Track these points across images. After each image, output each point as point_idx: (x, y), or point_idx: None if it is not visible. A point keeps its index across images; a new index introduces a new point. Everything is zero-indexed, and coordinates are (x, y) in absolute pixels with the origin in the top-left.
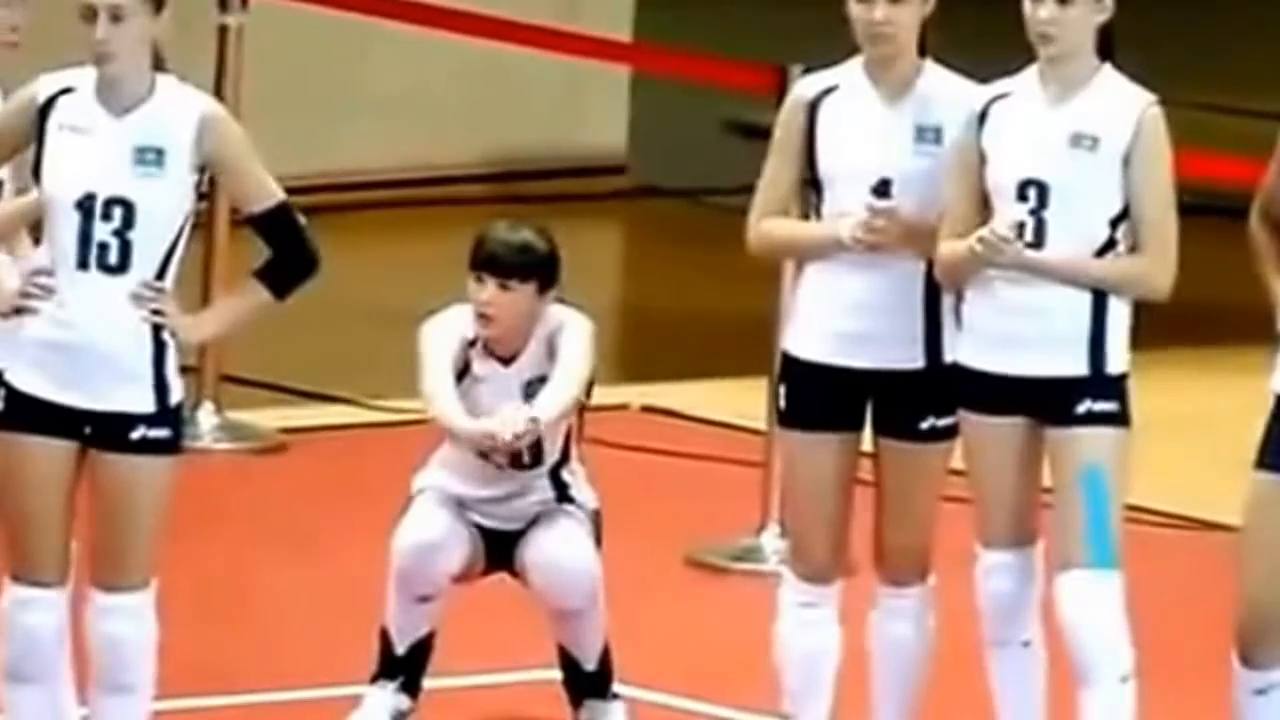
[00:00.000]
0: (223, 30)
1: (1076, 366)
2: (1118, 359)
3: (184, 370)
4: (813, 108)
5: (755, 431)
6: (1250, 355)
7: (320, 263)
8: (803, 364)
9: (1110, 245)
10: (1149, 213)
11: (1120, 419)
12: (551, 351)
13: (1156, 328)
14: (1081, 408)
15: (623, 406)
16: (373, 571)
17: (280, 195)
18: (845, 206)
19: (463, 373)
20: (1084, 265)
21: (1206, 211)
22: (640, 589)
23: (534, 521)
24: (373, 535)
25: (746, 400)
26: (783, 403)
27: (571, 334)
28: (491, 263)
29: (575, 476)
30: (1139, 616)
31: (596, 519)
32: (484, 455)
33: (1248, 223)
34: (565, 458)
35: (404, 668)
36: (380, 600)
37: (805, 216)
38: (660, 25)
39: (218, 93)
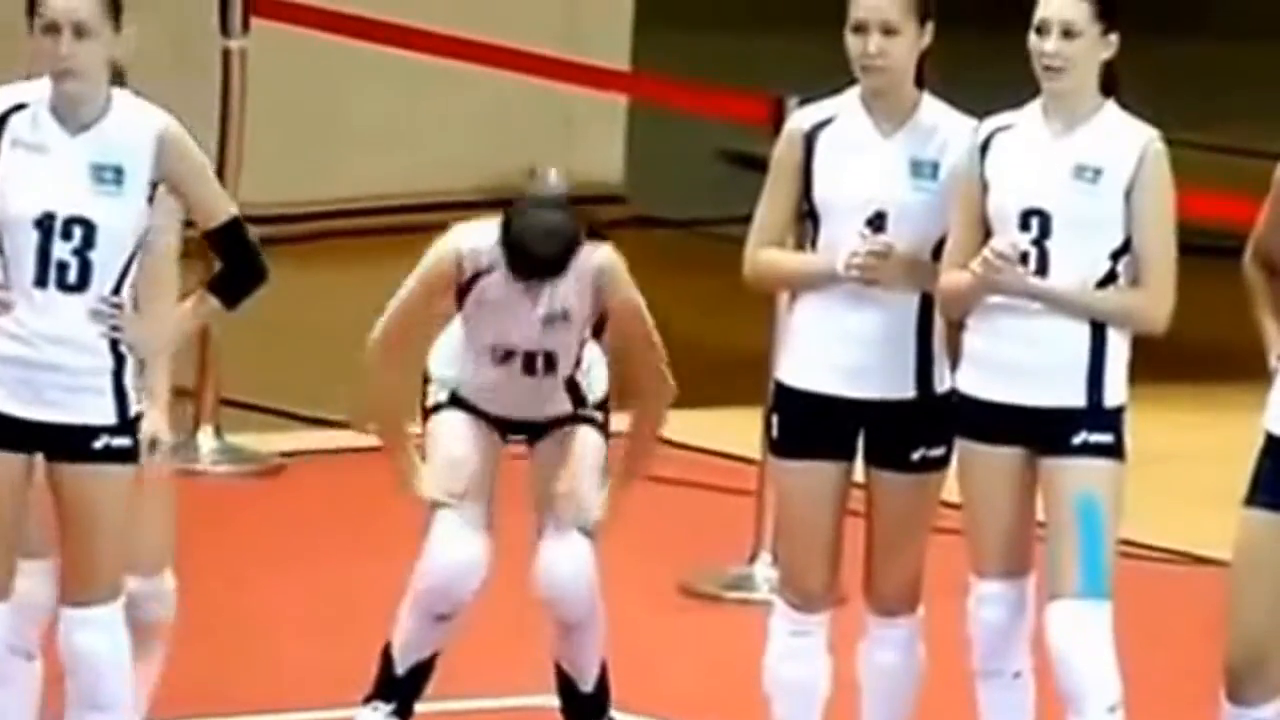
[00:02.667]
0: (225, 54)
1: (1074, 398)
2: (1115, 392)
3: (183, 394)
4: (809, 139)
5: (749, 461)
6: (1245, 393)
7: (268, 275)
8: (796, 394)
9: (1111, 277)
10: (1149, 247)
11: (1116, 451)
12: (583, 291)
13: (1153, 363)
14: (1078, 439)
15: (616, 435)
16: (370, 593)
17: (233, 211)
18: (840, 238)
19: (466, 288)
20: (1083, 295)
21: (1205, 250)
22: (634, 615)
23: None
24: (370, 557)
25: (741, 430)
26: (775, 432)
27: (630, 312)
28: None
29: (587, 374)
30: (1129, 649)
31: (604, 410)
32: (503, 360)
33: (1242, 263)
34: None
35: (401, 690)
36: (378, 621)
37: (800, 247)
38: (659, 54)
39: (221, 116)
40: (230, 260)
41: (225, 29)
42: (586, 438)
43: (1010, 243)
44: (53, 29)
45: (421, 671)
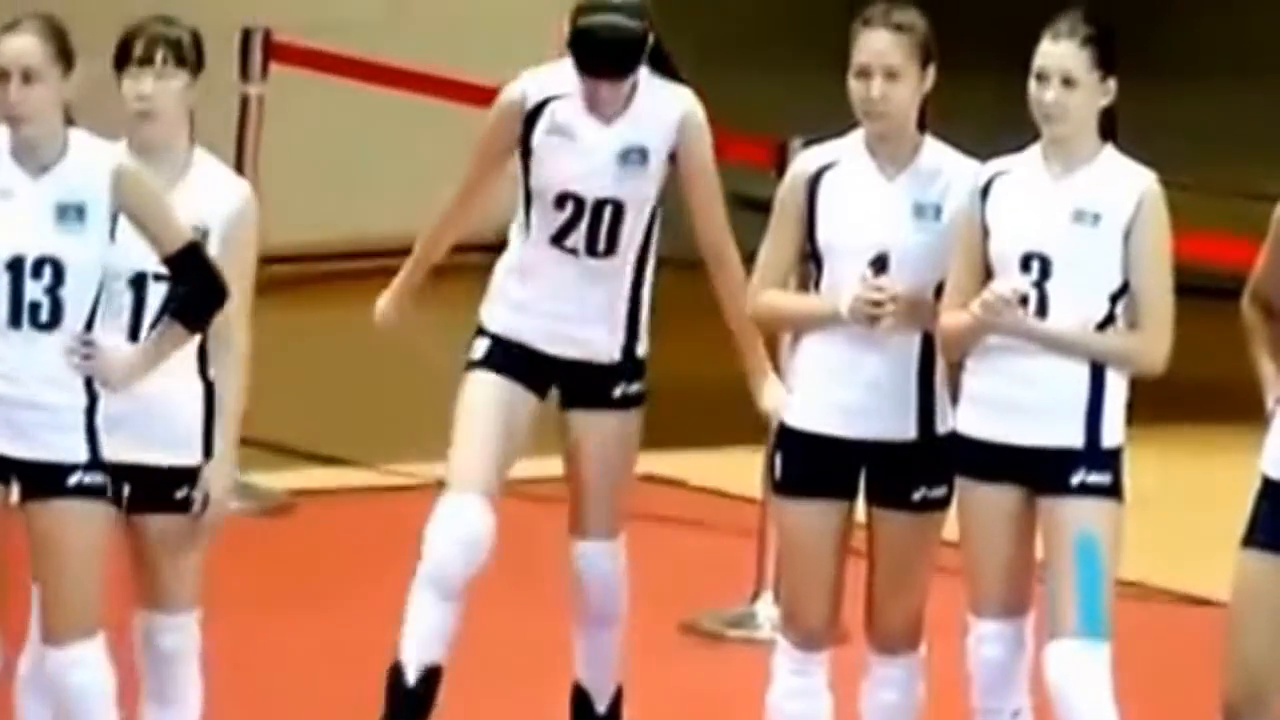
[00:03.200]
0: (244, 99)
1: (1072, 438)
2: (1114, 432)
3: None
4: (812, 182)
5: (751, 500)
6: (1243, 435)
7: (229, 295)
8: (798, 434)
9: (1110, 319)
10: (1147, 289)
11: (1114, 492)
12: (664, 134)
13: (1152, 404)
14: (1076, 479)
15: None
16: (380, 632)
17: (189, 235)
18: (843, 280)
19: (534, 116)
20: (1082, 337)
21: (1205, 292)
22: (637, 654)
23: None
24: (380, 596)
25: (743, 469)
26: (778, 472)
27: (707, 167)
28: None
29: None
30: (1127, 688)
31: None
32: (568, 226)
33: (1240, 304)
34: (643, 260)
35: (411, 703)
36: (388, 660)
37: (804, 288)
38: None
39: (238, 160)
40: (191, 283)
41: (245, 74)
42: (624, 442)
43: (1011, 287)
44: (2, 75)
45: (431, 680)
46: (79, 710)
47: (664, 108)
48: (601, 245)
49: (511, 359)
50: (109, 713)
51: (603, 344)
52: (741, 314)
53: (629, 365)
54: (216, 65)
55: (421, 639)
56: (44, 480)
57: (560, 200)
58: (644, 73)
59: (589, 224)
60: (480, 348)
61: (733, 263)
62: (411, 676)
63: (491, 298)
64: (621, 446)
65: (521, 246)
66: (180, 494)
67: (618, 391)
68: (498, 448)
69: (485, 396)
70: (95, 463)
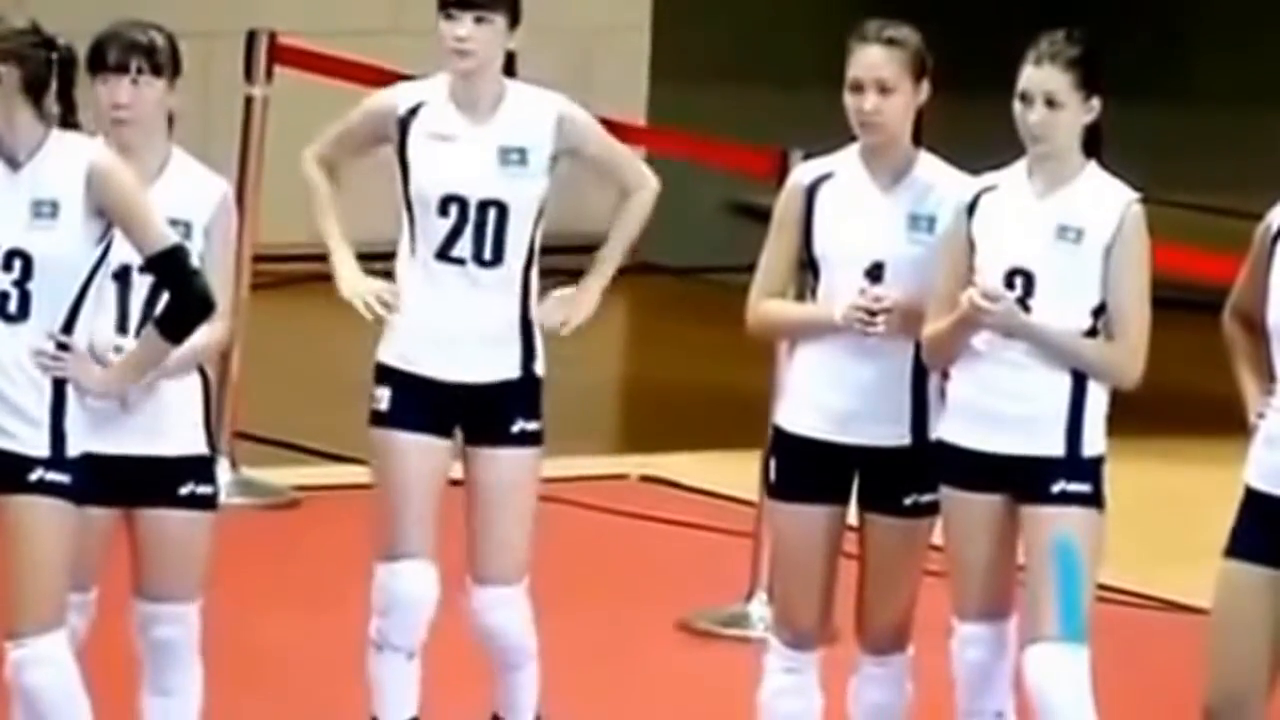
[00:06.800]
0: (248, 101)
1: (1053, 447)
2: (1094, 442)
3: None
4: (810, 193)
5: (747, 502)
6: (1225, 446)
7: (213, 306)
8: (793, 438)
9: (1092, 334)
10: (1125, 305)
11: (1094, 500)
12: (542, 133)
13: (1133, 415)
14: (1056, 488)
15: (622, 476)
16: None
17: (173, 239)
18: (839, 289)
19: (408, 120)
20: (1067, 339)
21: (1186, 305)
22: (632, 651)
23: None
24: None
25: (740, 472)
26: (773, 475)
27: (599, 140)
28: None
29: (539, 324)
30: (1106, 693)
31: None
32: (452, 234)
33: (1221, 318)
34: (528, 272)
35: None
36: None
37: (801, 297)
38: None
39: (242, 160)
40: (172, 291)
41: (249, 77)
42: (519, 481)
43: (998, 287)
44: None
45: None
46: (35, 708)
47: (537, 110)
48: (488, 252)
49: (413, 404)
50: (68, 707)
51: (500, 361)
52: (636, 207)
53: (529, 389)
54: (222, 67)
55: (395, 700)
56: (6, 473)
57: (444, 205)
58: (510, 82)
59: (474, 229)
60: (383, 398)
61: (648, 188)
62: None
63: (387, 330)
64: (519, 489)
65: (409, 270)
66: (183, 489)
67: (516, 428)
68: (429, 509)
69: (403, 471)
70: (59, 460)
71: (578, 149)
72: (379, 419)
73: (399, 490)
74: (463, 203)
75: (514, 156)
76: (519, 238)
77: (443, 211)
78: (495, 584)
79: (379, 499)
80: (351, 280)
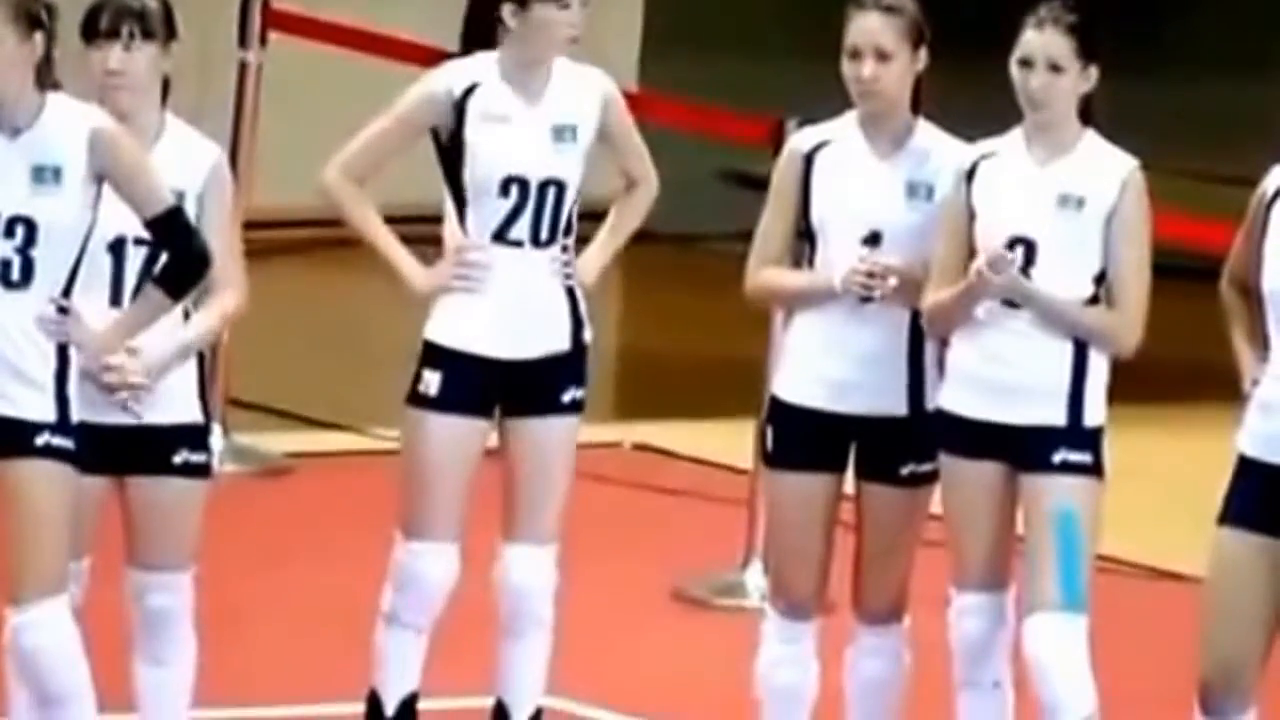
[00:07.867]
0: (242, 67)
1: (1055, 416)
2: (1095, 411)
3: None
4: (807, 160)
5: (742, 471)
6: (1224, 414)
7: (211, 263)
8: (790, 407)
9: (1094, 301)
10: (1124, 273)
11: (1095, 470)
12: (589, 111)
13: (1131, 384)
14: (1057, 457)
15: (616, 444)
16: (376, 593)
17: (171, 200)
18: (837, 256)
19: (456, 127)
20: (1069, 306)
21: (1184, 273)
22: (627, 620)
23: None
24: (376, 558)
25: (735, 441)
26: (769, 444)
27: (627, 124)
28: None
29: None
30: (1103, 661)
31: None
32: (512, 213)
33: (1219, 286)
34: (568, 246)
35: None
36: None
37: (798, 265)
38: (663, 75)
39: (236, 126)
40: (173, 250)
41: (243, 42)
42: (567, 447)
43: (1002, 251)
44: None
45: (409, 707)
46: (32, 671)
47: (584, 87)
48: (545, 232)
49: (463, 385)
50: (68, 673)
51: (553, 335)
52: (639, 200)
53: (578, 358)
54: (216, 33)
55: (398, 673)
56: (11, 438)
57: (505, 187)
58: (557, 60)
59: (534, 209)
60: (432, 383)
61: (650, 184)
62: (390, 709)
63: (438, 310)
64: (566, 455)
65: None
66: (177, 457)
67: (567, 397)
68: (460, 492)
69: (441, 454)
70: (63, 425)
71: (610, 129)
72: (424, 401)
73: (434, 471)
74: (524, 184)
75: (567, 134)
76: (570, 214)
77: (504, 192)
78: (528, 542)
79: (408, 475)
80: (423, 275)
